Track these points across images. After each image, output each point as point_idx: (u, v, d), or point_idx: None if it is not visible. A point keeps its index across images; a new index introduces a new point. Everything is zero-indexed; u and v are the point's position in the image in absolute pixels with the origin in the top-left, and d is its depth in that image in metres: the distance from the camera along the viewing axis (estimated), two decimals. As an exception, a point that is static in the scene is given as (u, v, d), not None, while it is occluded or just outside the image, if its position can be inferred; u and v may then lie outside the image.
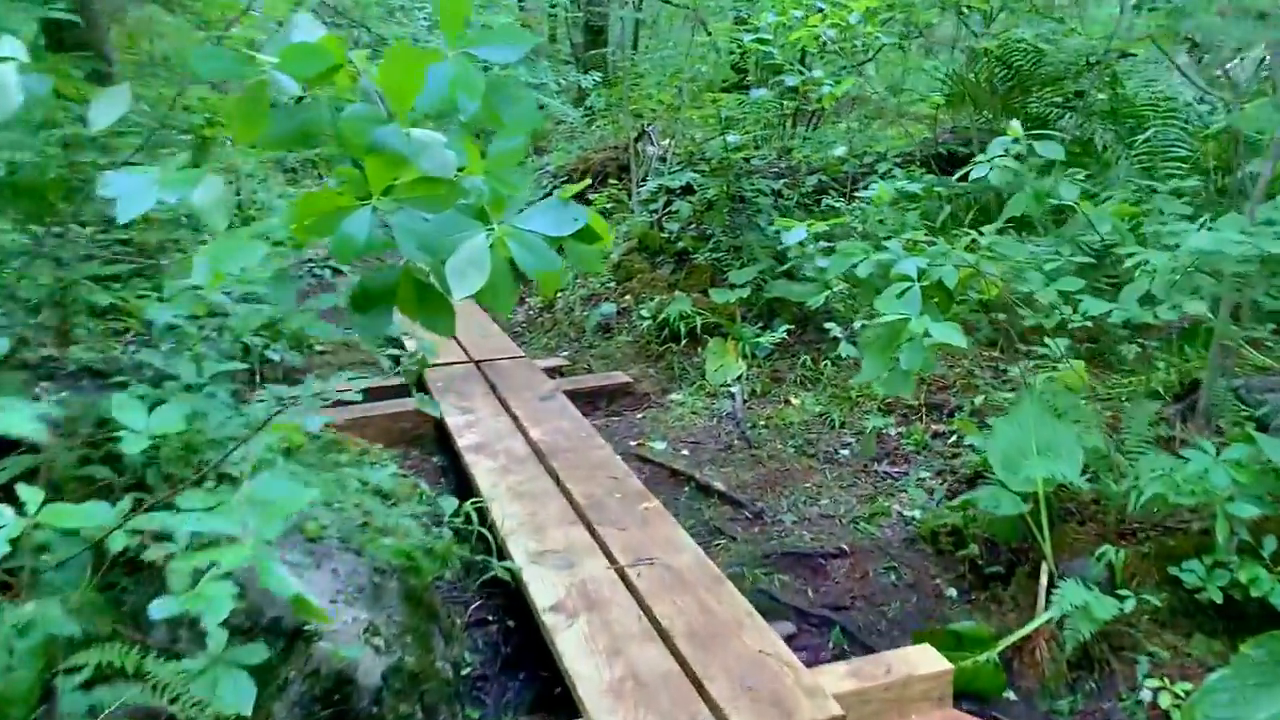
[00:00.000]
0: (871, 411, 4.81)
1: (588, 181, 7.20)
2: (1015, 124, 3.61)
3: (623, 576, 3.02)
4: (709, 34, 11.05)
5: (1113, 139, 6.87)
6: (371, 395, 4.84)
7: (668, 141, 7.85)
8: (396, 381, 5.06)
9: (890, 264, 3.44)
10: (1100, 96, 7.09)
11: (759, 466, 4.30)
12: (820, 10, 5.51)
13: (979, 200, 6.52)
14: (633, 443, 4.58)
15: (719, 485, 4.06)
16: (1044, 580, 3.23)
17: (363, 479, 3.65)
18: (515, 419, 4.42)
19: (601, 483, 3.71)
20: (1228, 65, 8.42)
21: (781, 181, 6.67)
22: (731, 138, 6.10)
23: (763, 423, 4.75)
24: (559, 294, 6.71)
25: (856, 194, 6.87)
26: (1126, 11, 7.25)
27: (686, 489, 4.11)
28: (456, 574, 3.25)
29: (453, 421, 4.39)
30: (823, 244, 4.06)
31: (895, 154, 6.90)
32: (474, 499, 3.51)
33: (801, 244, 3.66)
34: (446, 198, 1.89)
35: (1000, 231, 3.95)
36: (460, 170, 1.83)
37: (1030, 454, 3.23)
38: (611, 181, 7.74)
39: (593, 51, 14.35)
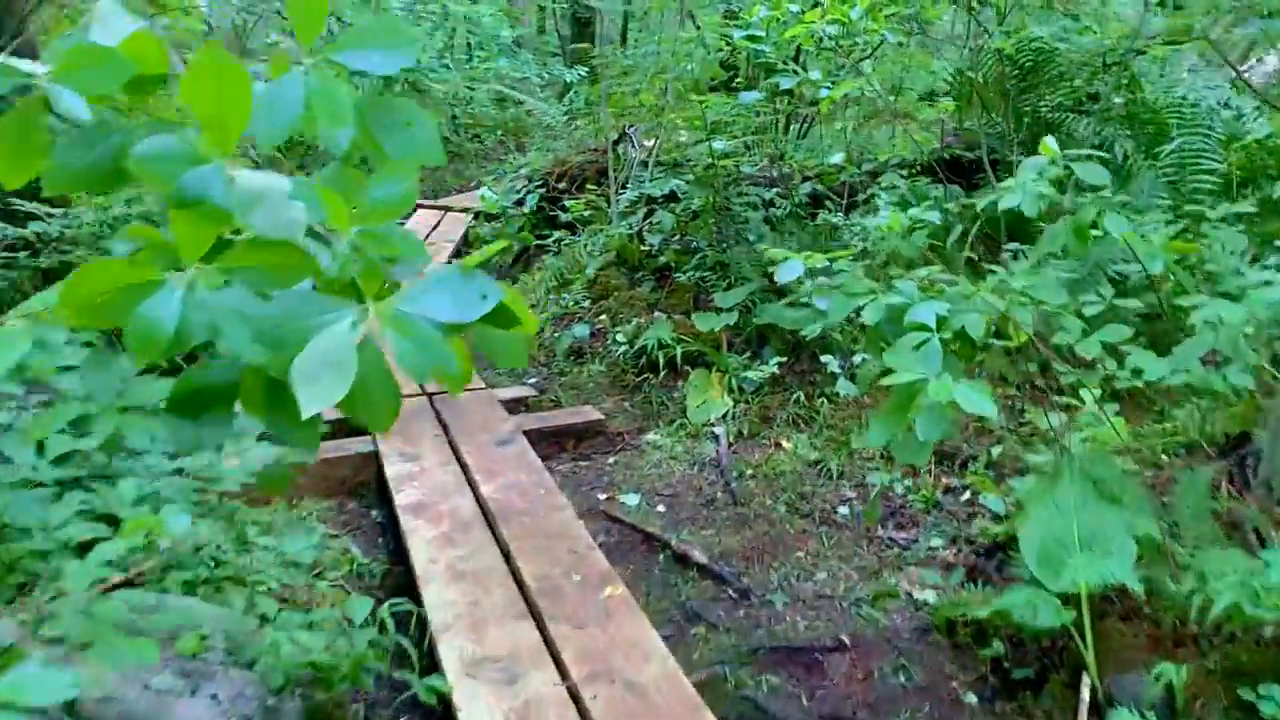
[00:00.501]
0: (873, 460, 4.26)
1: (563, 186, 6.59)
2: (1051, 142, 3.06)
3: (575, 698, 2.45)
4: (697, 28, 10.47)
5: (1132, 147, 6.34)
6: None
7: (651, 143, 7.27)
8: (328, 416, 4.48)
9: (903, 309, 2.88)
10: (1116, 100, 6.55)
11: (745, 528, 3.74)
12: (818, 4, 4.94)
13: (988, 213, 5.99)
14: (602, 495, 4.01)
15: (699, 555, 3.50)
16: (1085, 695, 2.69)
17: (279, 551, 3.08)
18: (465, 469, 3.84)
19: (559, 558, 3.14)
20: (1242, 68, 7.91)
21: (773, 191, 6.11)
22: (719, 143, 5.52)
23: (750, 471, 4.19)
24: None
25: (855, 204, 6.34)
26: (1149, 8, 6.71)
27: (661, 558, 3.55)
28: (375, 685, 2.68)
29: (393, 471, 3.81)
30: (822, 279, 3.51)
31: (895, 160, 6.35)
32: (399, 598, 2.94)
33: (799, 280, 3.12)
34: (293, 269, 1.31)
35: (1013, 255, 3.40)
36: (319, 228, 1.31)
37: (1072, 546, 2.68)
38: (590, 187, 7.16)
39: (577, 45, 13.76)
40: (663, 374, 4.87)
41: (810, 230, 5.82)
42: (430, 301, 1.27)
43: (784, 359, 4.74)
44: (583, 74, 14.12)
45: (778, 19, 5.07)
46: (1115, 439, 3.47)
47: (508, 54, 13.61)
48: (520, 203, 7.20)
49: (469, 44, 13.61)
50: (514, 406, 4.92)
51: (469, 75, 13.16)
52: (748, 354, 4.95)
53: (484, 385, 4.87)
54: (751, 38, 4.91)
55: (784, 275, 3.12)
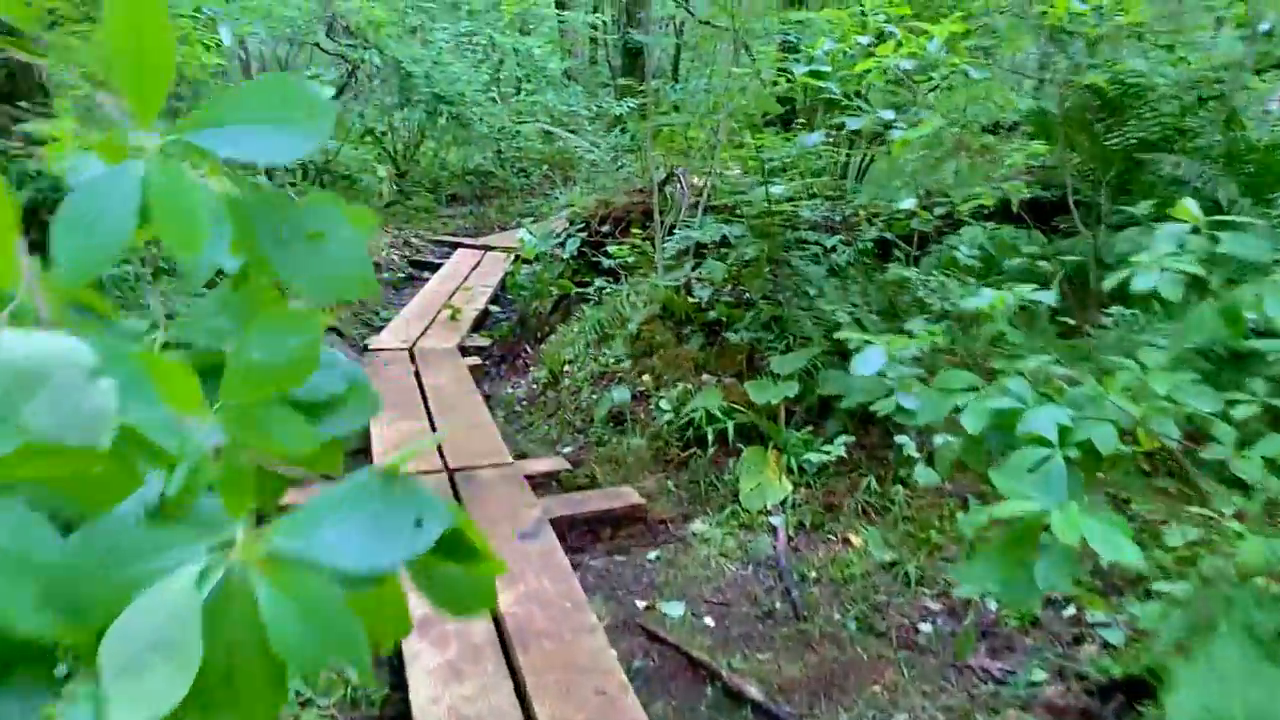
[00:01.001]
0: (957, 559, 3.66)
1: (605, 229, 6.09)
2: (1191, 205, 2.49)
3: None
4: (752, 59, 9.99)
5: (1236, 190, 5.69)
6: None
7: (701, 181, 6.78)
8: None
9: (1013, 415, 2.32)
10: (1217, 139, 5.91)
11: (809, 651, 3.16)
12: (891, 35, 4.40)
13: (1079, 265, 5.38)
14: (640, 603, 3.46)
15: (754, 690, 2.93)
16: None
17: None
18: (483, 571, 3.33)
19: (585, 700, 2.60)
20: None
21: (835, 238, 5.55)
22: (777, 188, 4.99)
23: (814, 574, 3.61)
24: (565, 367, 5.64)
25: (928, 250, 5.77)
26: (1255, 38, 6.07)
27: (709, 690, 2.98)
28: None
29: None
30: (905, 368, 2.94)
31: (971, 206, 5.76)
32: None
33: (882, 373, 2.57)
34: (105, 486, 0.74)
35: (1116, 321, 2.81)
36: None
37: (1244, 733, 2.08)
38: (635, 230, 6.66)
39: (626, 79, 13.37)
40: (712, 449, 4.32)
41: (878, 284, 5.26)
42: (332, 534, 0.75)
43: (851, 438, 4.16)
44: (632, 107, 13.75)
45: (844, 52, 4.55)
46: (1262, 563, 2.85)
47: (557, 87, 13.26)
48: (560, 246, 6.72)
49: (517, 76, 13.29)
50: (544, 482, 4.41)
51: (515, 109, 12.83)
52: (809, 426, 4.39)
53: (510, 459, 4.36)
54: (815, 74, 4.39)
55: (863, 367, 2.58)
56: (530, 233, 6.90)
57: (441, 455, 4.43)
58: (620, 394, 4.84)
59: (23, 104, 4.65)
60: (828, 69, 4.38)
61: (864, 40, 4.47)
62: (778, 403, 4.24)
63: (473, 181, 12.39)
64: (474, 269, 8.62)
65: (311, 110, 0.79)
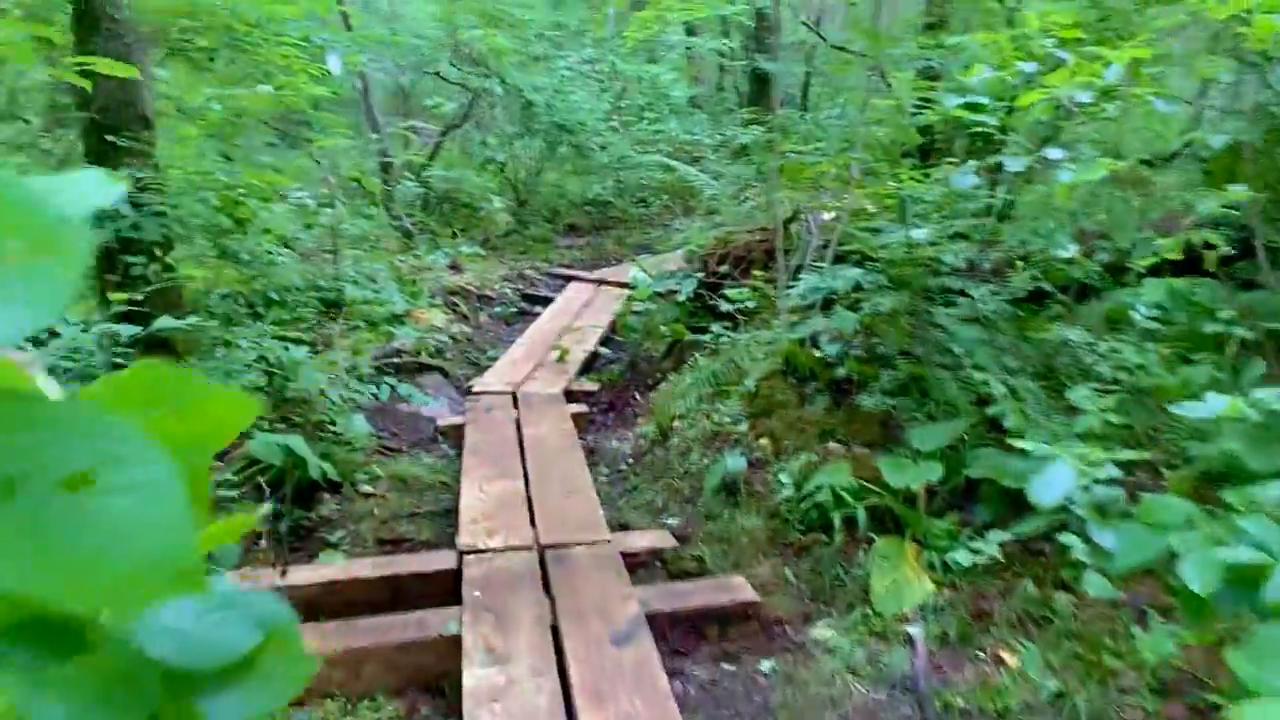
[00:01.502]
0: (1139, 691, 3.00)
1: (724, 269, 5.61)
2: None
3: None
4: (889, 85, 9.40)
5: None
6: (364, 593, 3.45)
7: (830, 216, 6.23)
8: (415, 568, 3.66)
9: (1256, 571, 1.72)
10: None
11: (956, 815, 2.58)
12: (1062, 62, 3.78)
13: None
14: (750, 729, 2.94)
15: None
16: None
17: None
18: (566, 683, 2.87)
19: None
20: None
21: (983, 288, 4.91)
22: (919, 232, 4.41)
23: (959, 701, 3.01)
24: (675, 423, 5.16)
25: (1088, 299, 5.07)
26: None
27: None
28: None
29: (472, 681, 2.88)
30: (1100, 491, 2.33)
31: (1151, 261, 5.02)
32: None
33: (1069, 503, 2.00)
34: None
35: None
36: None
37: None
38: (757, 272, 6.16)
39: (752, 107, 12.90)
40: (839, 536, 3.76)
41: (1035, 344, 4.60)
42: None
43: (1006, 534, 3.53)
44: (758, 135, 13.25)
45: (1005, 80, 3.95)
46: None
47: (681, 115, 12.89)
48: (675, 287, 6.28)
49: (640, 104, 12.99)
50: (645, 561, 3.94)
51: (636, 137, 12.53)
52: (954, 513, 3.78)
53: (608, 535, 3.90)
54: (971, 106, 3.81)
55: (1045, 493, 2.01)
56: (644, 271, 6.48)
57: (533, 523, 4.03)
58: (735, 462, 4.33)
59: (124, 133, 4.52)
60: (986, 100, 3.80)
61: (1028, 67, 3.86)
62: (919, 487, 3.65)
63: (591, 211, 12.12)
64: (586, 305, 8.27)
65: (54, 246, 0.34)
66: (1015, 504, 3.75)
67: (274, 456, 4.33)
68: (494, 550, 3.71)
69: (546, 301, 8.84)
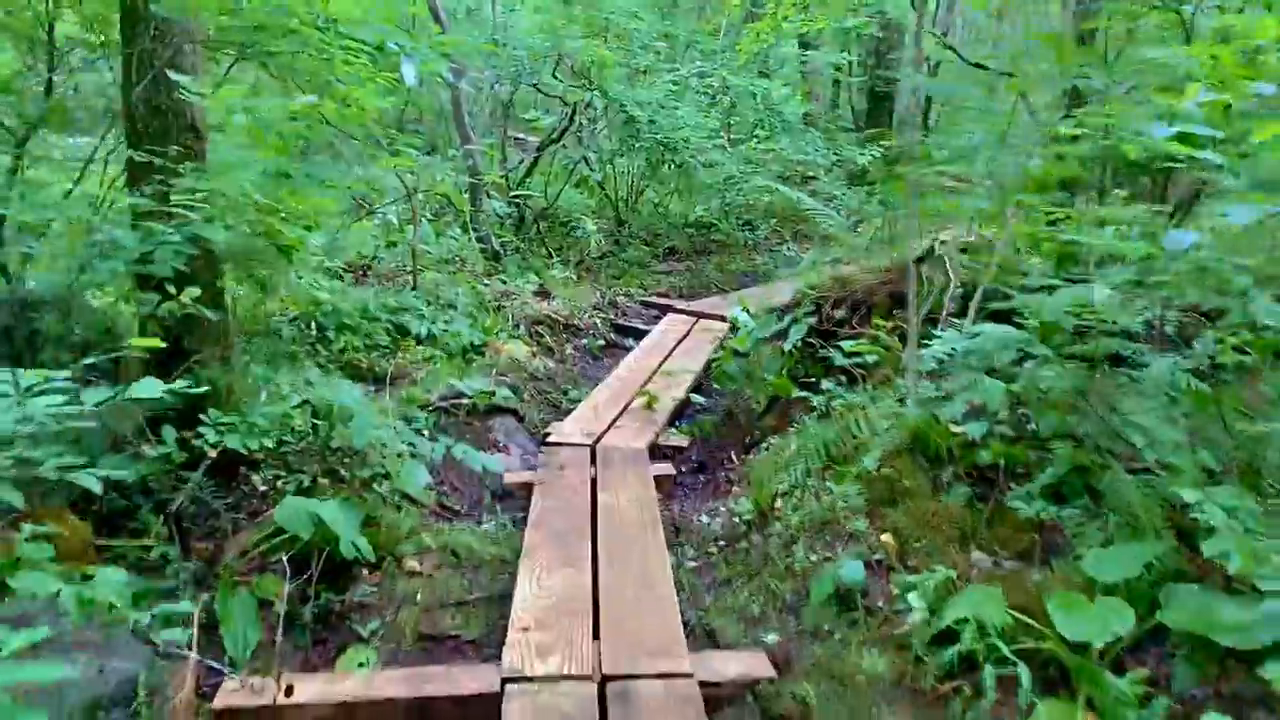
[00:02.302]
0: None
1: (841, 314, 4.74)
2: None
3: None
4: (1030, 114, 8.43)
5: None
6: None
7: (959, 252, 5.33)
8: (448, 689, 2.96)
9: None
10: None
11: None
12: (1309, 79, 2.85)
13: None
14: None
15: None
16: None
17: None
18: None
19: None
20: None
21: (1169, 359, 3.95)
22: (1102, 291, 3.49)
23: None
24: (776, 502, 4.35)
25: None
26: None
27: None
28: None
29: None
30: None
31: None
32: None
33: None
34: None
35: None
36: None
37: None
38: (879, 321, 5.29)
39: (870, 127, 11.97)
40: (990, 693, 2.88)
41: (1238, 434, 3.63)
42: None
43: (1221, 717, 2.60)
44: (876, 155, 12.31)
45: (1227, 106, 3.04)
46: None
47: (794, 133, 12.04)
48: (782, 334, 5.46)
49: (751, 121, 12.19)
50: (733, 695, 3.15)
51: (745, 156, 11.74)
52: (1141, 669, 2.86)
53: (686, 664, 3.12)
54: (1186, 137, 2.90)
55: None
56: (747, 313, 5.69)
57: (596, 634, 3.28)
58: (851, 571, 3.49)
59: (173, 147, 3.98)
60: (1206, 130, 2.88)
61: (1265, 89, 2.93)
62: (1100, 645, 2.75)
63: (693, 234, 11.37)
64: (680, 342, 7.51)
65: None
66: (1232, 663, 2.82)
67: (302, 528, 3.71)
68: (543, 679, 2.96)
69: (638, 334, 8.12)
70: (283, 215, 3.65)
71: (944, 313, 4.67)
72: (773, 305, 8.12)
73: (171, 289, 3.31)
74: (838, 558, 3.75)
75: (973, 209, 4.95)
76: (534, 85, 10.04)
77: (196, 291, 3.36)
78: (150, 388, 2.64)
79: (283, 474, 4.43)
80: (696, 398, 6.23)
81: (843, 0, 9.69)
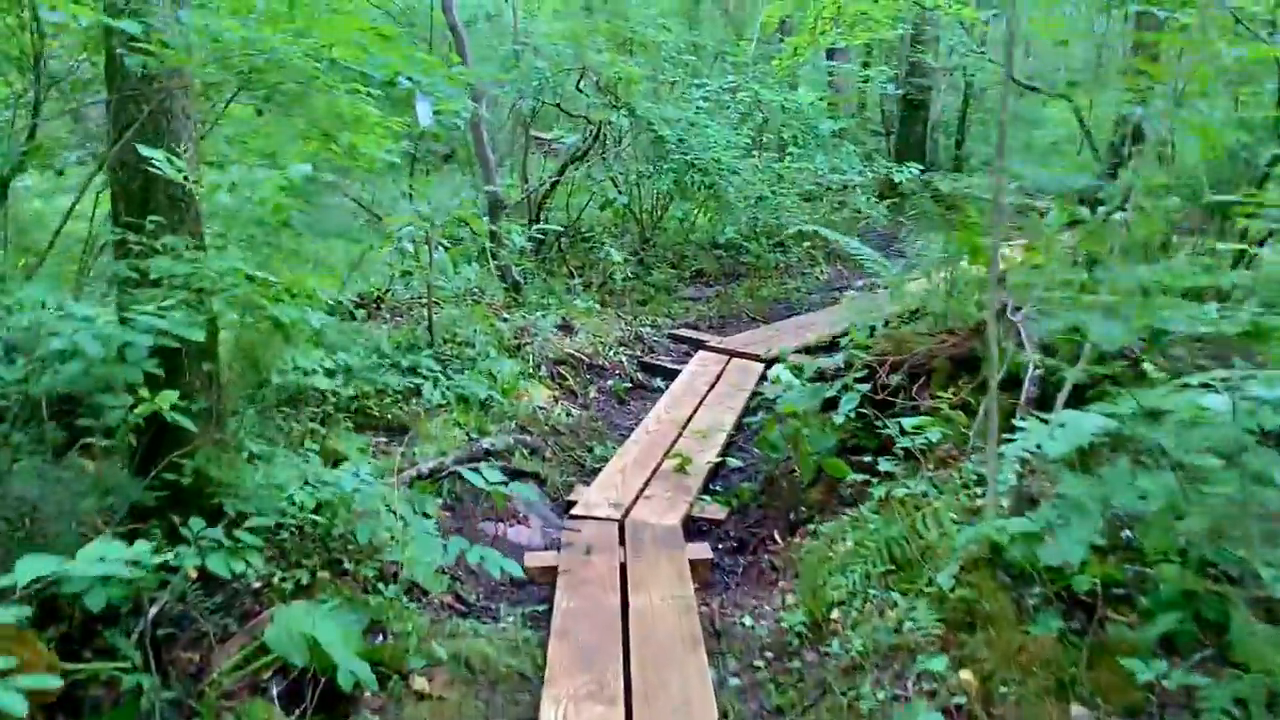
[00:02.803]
0: None
1: (897, 380, 4.24)
2: None
3: None
4: (1085, 130, 7.98)
5: None
6: None
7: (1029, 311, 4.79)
8: None
9: None
10: None
11: None
12: None
13: None
14: None
15: None
16: None
17: None
18: None
19: None
20: None
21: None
22: (1262, 391, 2.94)
23: None
24: (832, 612, 3.84)
25: None
26: None
27: None
28: None
29: None
30: None
31: None
32: None
33: None
34: None
35: None
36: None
37: None
38: (942, 393, 4.77)
39: (901, 140, 11.41)
40: None
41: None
42: None
43: None
44: (915, 173, 11.75)
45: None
46: None
47: (827, 148, 11.50)
48: (831, 403, 4.95)
49: (785, 138, 11.64)
50: None
51: (777, 173, 11.21)
52: None
53: None
54: None
55: None
56: (791, 371, 5.18)
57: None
58: (930, 725, 2.99)
59: (155, 218, 3.51)
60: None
61: None
62: None
63: (721, 256, 10.84)
64: (712, 387, 7.01)
65: None
66: None
67: (295, 653, 3.24)
68: None
69: (667, 374, 7.63)
70: (276, 295, 3.17)
71: (1023, 395, 4.14)
72: (809, 344, 7.63)
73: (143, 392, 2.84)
74: (909, 697, 3.25)
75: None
76: (556, 104, 9.54)
77: (173, 396, 2.88)
78: (36, 567, 2.13)
79: (280, 568, 3.96)
80: (733, 460, 5.73)
81: (889, 10, 9.13)
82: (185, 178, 3.29)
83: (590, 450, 6.01)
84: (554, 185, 9.91)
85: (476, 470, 3.76)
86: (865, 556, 3.97)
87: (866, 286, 10.55)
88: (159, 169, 2.98)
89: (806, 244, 10.74)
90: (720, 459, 5.71)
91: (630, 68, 8.85)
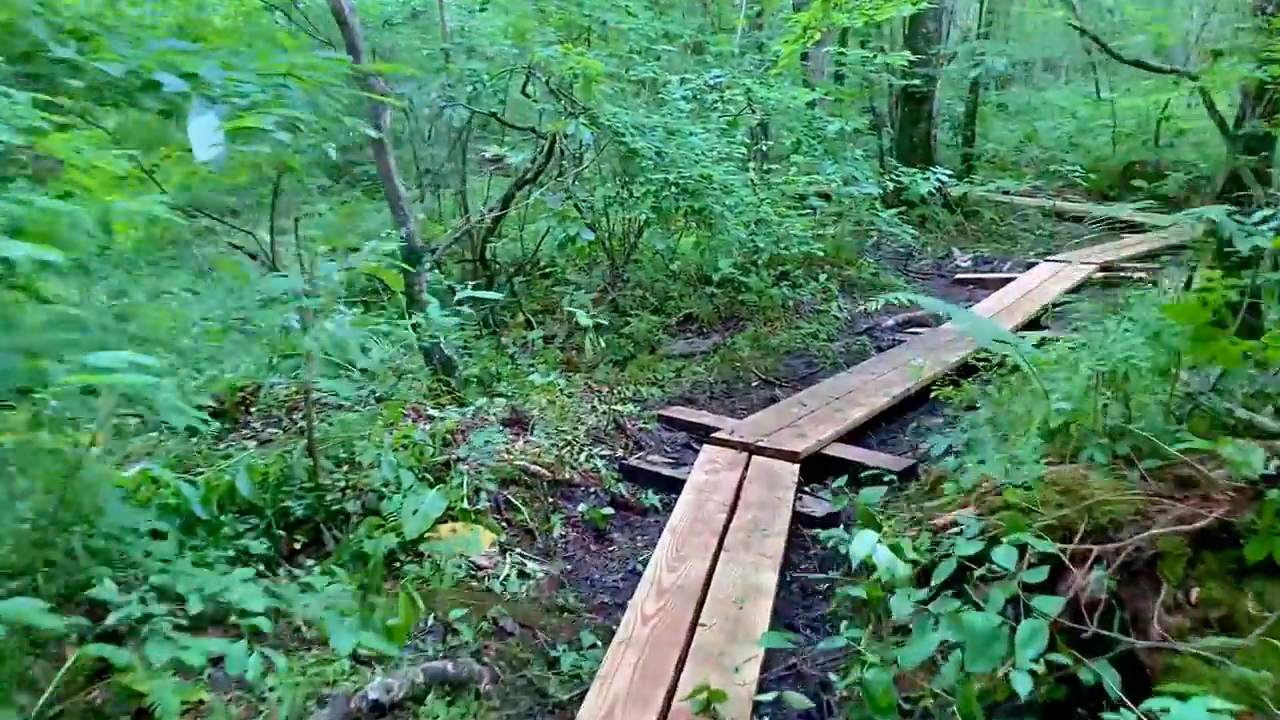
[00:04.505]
0: None
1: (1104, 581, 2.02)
2: None
3: None
4: (1212, 115, 6.16)
5: None
6: None
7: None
8: None
9: None
10: None
11: None
12: None
13: None
14: None
15: None
16: None
17: None
18: None
19: None
20: None
21: None
22: None
23: None
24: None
25: None
26: None
27: None
28: None
29: None
30: None
31: None
32: None
33: None
34: None
35: None
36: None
37: None
38: (1187, 604, 2.58)
39: (907, 138, 9.32)
40: None
41: None
42: None
43: None
44: (942, 179, 9.64)
45: None
46: None
47: (836, 155, 9.36)
48: (998, 641, 2.74)
49: (783, 142, 9.48)
50: None
51: (778, 186, 9.07)
52: None
53: None
54: None
55: None
56: (891, 552, 2.97)
57: None
58: None
59: None
60: None
61: None
62: None
63: (715, 295, 8.65)
64: (732, 510, 4.80)
65: None
66: None
67: None
68: None
69: (662, 484, 5.43)
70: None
71: None
72: (858, 423, 5.45)
73: None
74: None
75: None
76: (492, 114, 7.30)
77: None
78: None
79: None
80: (792, 695, 3.47)
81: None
82: None
83: (554, 663, 3.75)
84: (497, 219, 7.67)
85: None
86: None
87: (899, 325, 8.42)
88: None
89: (823, 278, 8.58)
90: (774, 694, 3.48)
91: (589, 59, 6.63)
